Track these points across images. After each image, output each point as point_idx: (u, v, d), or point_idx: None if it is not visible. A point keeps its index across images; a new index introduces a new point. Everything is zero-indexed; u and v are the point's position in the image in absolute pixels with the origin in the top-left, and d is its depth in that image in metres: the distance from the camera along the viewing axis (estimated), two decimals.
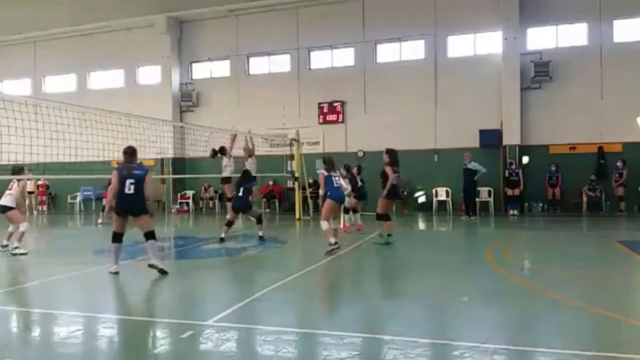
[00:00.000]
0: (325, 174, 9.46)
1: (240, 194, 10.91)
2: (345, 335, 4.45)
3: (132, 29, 21.79)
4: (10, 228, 9.84)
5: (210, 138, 14.33)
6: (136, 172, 7.31)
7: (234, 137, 13.66)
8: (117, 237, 7.48)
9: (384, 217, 10.20)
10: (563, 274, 7.30)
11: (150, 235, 7.42)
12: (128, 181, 7.24)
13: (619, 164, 16.10)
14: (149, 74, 22.03)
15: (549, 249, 9.99)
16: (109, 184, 8.29)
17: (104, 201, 16.16)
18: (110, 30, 21.90)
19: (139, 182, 7.26)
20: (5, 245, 9.79)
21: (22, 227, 9.59)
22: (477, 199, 16.59)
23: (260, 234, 10.97)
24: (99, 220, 15.73)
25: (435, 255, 9.52)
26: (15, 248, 9.46)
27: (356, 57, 19.36)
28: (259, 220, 11.17)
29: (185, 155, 17.26)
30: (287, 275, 7.13)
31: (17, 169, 9.33)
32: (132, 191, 7.23)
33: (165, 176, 19.45)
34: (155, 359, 4.12)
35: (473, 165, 15.82)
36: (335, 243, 8.88)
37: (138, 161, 7.56)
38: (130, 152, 7.49)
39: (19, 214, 9.77)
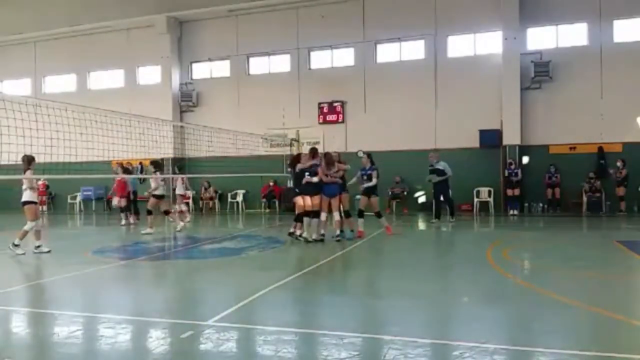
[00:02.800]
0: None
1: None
2: (345, 335, 4.45)
3: (132, 29, 21.82)
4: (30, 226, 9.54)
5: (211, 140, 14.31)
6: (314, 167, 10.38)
7: None
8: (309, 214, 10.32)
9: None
10: (563, 274, 7.30)
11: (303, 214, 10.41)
12: (306, 173, 10.37)
13: (618, 163, 16.10)
14: (149, 74, 22.04)
15: (549, 249, 9.98)
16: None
17: (122, 201, 15.33)
18: (110, 30, 21.91)
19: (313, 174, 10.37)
20: (39, 246, 9.58)
21: (27, 226, 9.42)
22: (440, 203, 14.60)
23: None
24: (123, 222, 15.12)
25: (435, 255, 9.53)
26: (16, 246, 9.36)
27: (356, 57, 19.37)
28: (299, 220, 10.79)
29: (185, 155, 17.28)
30: (287, 275, 7.13)
31: (30, 158, 9.25)
32: (314, 179, 10.29)
33: (165, 176, 19.40)
34: (155, 359, 4.12)
35: (443, 165, 14.09)
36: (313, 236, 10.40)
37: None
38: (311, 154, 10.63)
39: (34, 209, 9.53)
